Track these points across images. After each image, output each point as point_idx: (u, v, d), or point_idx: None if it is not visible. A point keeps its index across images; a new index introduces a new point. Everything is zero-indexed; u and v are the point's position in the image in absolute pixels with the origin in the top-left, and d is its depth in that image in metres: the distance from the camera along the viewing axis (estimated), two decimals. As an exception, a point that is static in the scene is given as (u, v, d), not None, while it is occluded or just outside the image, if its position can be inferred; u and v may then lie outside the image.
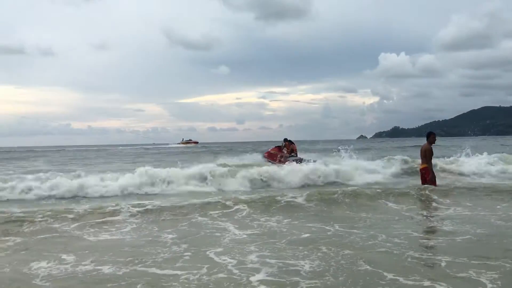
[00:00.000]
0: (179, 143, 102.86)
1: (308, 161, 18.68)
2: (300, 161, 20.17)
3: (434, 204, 10.08)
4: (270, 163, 21.38)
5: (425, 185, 11.70)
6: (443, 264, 5.46)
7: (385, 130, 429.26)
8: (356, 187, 12.20)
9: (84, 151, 71.39)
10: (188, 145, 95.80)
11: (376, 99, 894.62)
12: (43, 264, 5.73)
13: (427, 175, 11.89)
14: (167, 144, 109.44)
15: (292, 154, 22.05)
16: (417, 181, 12.61)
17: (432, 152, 11.88)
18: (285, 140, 23.20)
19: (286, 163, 19.80)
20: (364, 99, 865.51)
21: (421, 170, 12.10)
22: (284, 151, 22.74)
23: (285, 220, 8.41)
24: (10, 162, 36.28)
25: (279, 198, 10.40)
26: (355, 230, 7.42)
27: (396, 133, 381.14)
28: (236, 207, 9.46)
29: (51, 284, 5.01)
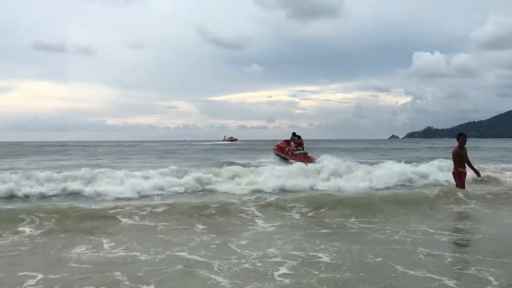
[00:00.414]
0: (223, 141, 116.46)
1: (315, 159, 20.12)
2: (305, 154, 22.54)
3: (456, 206, 10.35)
4: (278, 156, 23.36)
5: (457, 188, 11.47)
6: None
7: (418, 130, 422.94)
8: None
9: (131, 145, 74.12)
10: (231, 142, 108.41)
11: (409, 98, 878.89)
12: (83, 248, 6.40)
13: (457, 179, 11.60)
14: (204, 141, 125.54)
15: (299, 148, 23.33)
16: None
17: (462, 155, 11.38)
18: (293, 134, 24.29)
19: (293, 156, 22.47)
20: (396, 99, 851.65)
21: (453, 173, 11.76)
22: (292, 144, 23.88)
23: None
24: (66, 154, 39.69)
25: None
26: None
27: (429, 133, 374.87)
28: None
29: (92, 267, 5.65)
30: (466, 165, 11.55)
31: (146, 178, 13.69)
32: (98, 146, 75.82)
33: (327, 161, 16.97)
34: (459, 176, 11.62)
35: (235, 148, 59.12)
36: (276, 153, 24.74)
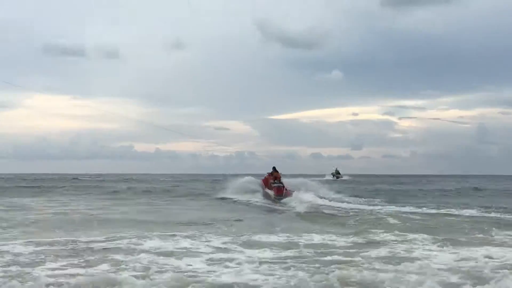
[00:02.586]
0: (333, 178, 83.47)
1: (292, 190, 24.74)
2: (279, 187, 26.70)
3: None
4: (261, 189, 28.21)
5: None
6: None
7: None
8: None
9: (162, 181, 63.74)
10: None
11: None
12: None
13: None
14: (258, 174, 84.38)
15: (275, 181, 27.43)
16: None
17: None
18: (273, 168, 28.68)
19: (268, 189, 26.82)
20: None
21: None
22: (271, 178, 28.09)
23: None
24: (68, 194, 33.01)
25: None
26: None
27: None
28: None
29: None
30: None
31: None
32: (120, 180, 66.16)
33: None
34: None
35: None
36: (261, 186, 28.96)
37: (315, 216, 18.26)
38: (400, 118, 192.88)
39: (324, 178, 74.44)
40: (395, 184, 58.93)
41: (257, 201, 25.71)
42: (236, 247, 10.60)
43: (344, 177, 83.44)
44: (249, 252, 10.03)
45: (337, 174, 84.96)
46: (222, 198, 28.03)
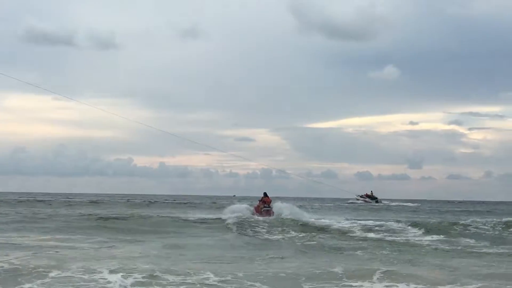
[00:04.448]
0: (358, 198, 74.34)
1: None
2: (267, 210, 29.40)
3: None
4: (254, 215, 30.06)
5: None
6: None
7: None
8: None
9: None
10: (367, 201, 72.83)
11: None
12: None
13: None
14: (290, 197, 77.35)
15: (265, 205, 30.00)
16: None
17: None
18: (264, 194, 30.96)
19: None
20: None
21: None
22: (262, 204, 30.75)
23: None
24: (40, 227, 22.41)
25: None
26: None
27: None
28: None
29: None
30: None
31: None
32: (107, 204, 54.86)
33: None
34: None
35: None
36: (254, 213, 30.42)
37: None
38: (470, 129, 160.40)
39: (348, 202, 67.50)
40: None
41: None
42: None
43: (385, 202, 72.74)
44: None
45: (368, 197, 71.87)
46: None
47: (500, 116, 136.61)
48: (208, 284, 9.91)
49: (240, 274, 10.79)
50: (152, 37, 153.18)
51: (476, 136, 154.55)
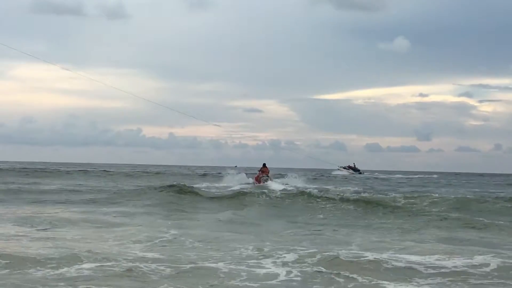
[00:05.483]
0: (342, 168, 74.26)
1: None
2: (266, 180, 32.26)
3: None
4: (253, 184, 32.96)
5: None
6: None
7: None
8: None
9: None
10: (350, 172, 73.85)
11: None
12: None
13: None
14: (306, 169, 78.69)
15: (263, 175, 33.03)
16: None
17: None
18: (263, 164, 33.92)
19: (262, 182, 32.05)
20: None
21: None
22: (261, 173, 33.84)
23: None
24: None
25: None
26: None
27: None
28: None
29: None
30: None
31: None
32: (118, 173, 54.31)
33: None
34: None
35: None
36: (253, 181, 33.43)
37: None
38: (480, 101, 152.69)
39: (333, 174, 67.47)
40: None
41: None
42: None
43: (397, 175, 73.32)
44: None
45: (351, 169, 73.52)
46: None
47: (510, 89, 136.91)
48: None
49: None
50: (160, 7, 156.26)
51: (486, 108, 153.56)
